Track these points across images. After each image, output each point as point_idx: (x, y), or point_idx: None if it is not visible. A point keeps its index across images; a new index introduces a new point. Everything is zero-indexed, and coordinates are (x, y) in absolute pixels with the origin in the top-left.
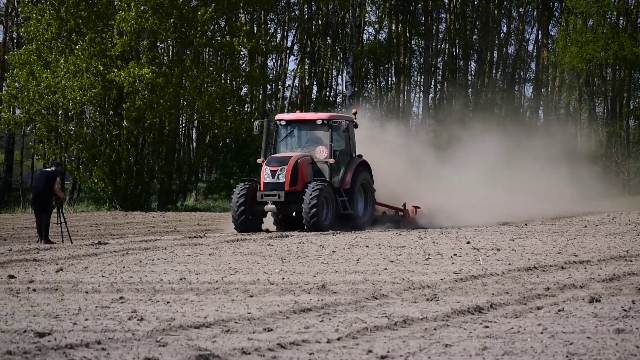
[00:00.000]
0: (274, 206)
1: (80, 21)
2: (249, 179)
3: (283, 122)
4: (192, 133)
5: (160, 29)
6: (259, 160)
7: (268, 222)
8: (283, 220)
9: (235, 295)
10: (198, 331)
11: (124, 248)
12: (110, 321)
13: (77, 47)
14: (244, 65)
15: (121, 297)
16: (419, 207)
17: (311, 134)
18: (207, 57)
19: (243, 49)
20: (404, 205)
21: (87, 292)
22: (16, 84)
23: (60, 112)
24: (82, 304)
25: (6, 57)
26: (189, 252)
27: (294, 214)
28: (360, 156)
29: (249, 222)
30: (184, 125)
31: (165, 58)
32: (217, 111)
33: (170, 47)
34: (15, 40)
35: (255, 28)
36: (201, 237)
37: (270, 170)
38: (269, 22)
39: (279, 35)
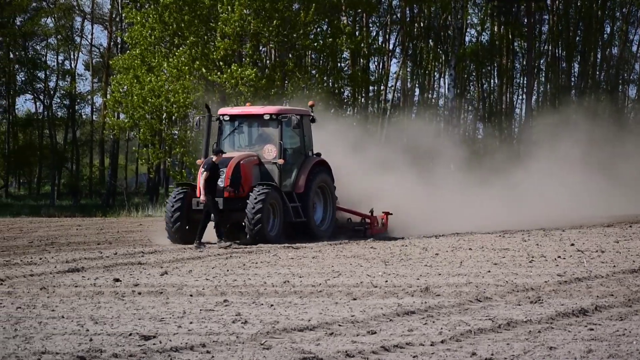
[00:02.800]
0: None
1: (182, 25)
2: (186, 183)
3: (227, 117)
4: None
5: (263, 31)
6: (198, 162)
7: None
8: (228, 230)
9: (338, 298)
10: (302, 334)
11: (227, 252)
12: (214, 324)
13: (179, 50)
14: (346, 67)
15: (225, 300)
16: (391, 213)
17: (259, 131)
18: (309, 59)
19: (345, 51)
20: (372, 211)
21: (191, 295)
22: (120, 89)
23: (163, 116)
24: (186, 307)
25: (110, 62)
26: (292, 255)
27: (244, 223)
28: (318, 155)
29: (185, 232)
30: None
31: (268, 61)
32: (321, 113)
33: (273, 50)
34: (119, 46)
35: (357, 30)
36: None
37: None
38: (370, 24)
39: (380, 38)
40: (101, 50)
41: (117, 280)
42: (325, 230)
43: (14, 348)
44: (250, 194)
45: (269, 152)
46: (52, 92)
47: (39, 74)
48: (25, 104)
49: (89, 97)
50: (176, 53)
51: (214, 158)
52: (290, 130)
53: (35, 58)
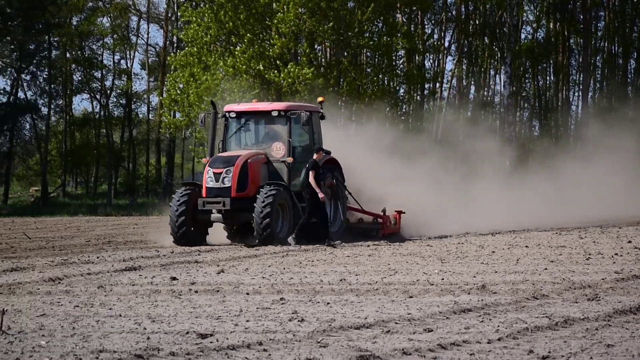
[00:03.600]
0: (219, 215)
1: (239, 23)
2: (192, 182)
3: (233, 114)
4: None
5: (318, 30)
6: (203, 160)
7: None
8: (236, 230)
9: (395, 296)
10: (358, 332)
11: (283, 250)
12: (271, 322)
13: (236, 49)
14: (401, 65)
15: (282, 299)
16: (403, 212)
17: (267, 128)
18: (364, 57)
19: (401, 49)
20: (384, 210)
21: (247, 294)
22: (177, 87)
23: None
24: (243, 305)
25: (168, 58)
26: (348, 253)
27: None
28: (328, 153)
29: (190, 234)
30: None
31: (323, 59)
32: (375, 112)
33: (328, 49)
34: (175, 44)
35: (412, 28)
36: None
37: (214, 173)
38: (426, 22)
39: (435, 35)
40: (157, 49)
41: (174, 278)
42: (336, 231)
43: (72, 346)
44: (258, 195)
45: (278, 150)
46: (108, 92)
47: (95, 74)
48: (81, 104)
49: (145, 96)
50: (235, 51)
51: (315, 156)
52: (300, 128)
53: (91, 57)
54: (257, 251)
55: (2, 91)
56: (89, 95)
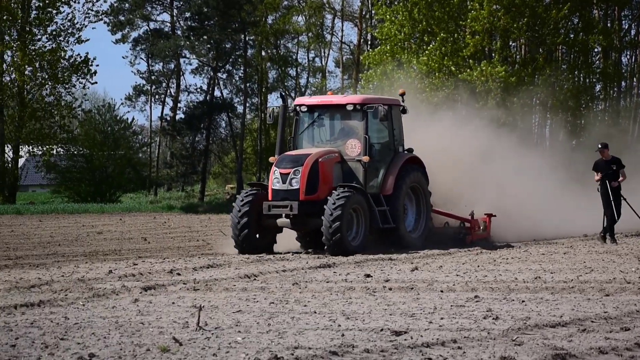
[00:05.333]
0: (287, 220)
1: (432, 22)
2: (258, 183)
3: (304, 108)
4: (546, 132)
5: (513, 27)
6: (271, 159)
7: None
8: (307, 236)
9: (590, 294)
10: (554, 330)
11: (477, 248)
12: (465, 320)
13: (429, 47)
14: (597, 61)
15: (476, 296)
16: (494, 215)
17: (342, 124)
18: (559, 54)
19: (597, 46)
20: (472, 214)
21: (441, 291)
22: (370, 85)
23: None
24: (437, 302)
25: (361, 57)
26: (543, 250)
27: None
28: (410, 151)
29: (254, 240)
30: (536, 124)
31: (518, 57)
32: (570, 109)
33: (523, 46)
34: (369, 43)
35: (609, 24)
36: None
37: (281, 174)
38: (622, 18)
39: (632, 31)
40: (351, 47)
41: (368, 275)
42: (418, 237)
43: (268, 343)
44: (329, 197)
45: (353, 148)
46: (303, 89)
47: (290, 72)
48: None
49: (340, 93)
50: (426, 50)
51: (604, 154)
52: (378, 123)
53: (286, 56)
54: (451, 249)
55: (199, 90)
56: (284, 93)
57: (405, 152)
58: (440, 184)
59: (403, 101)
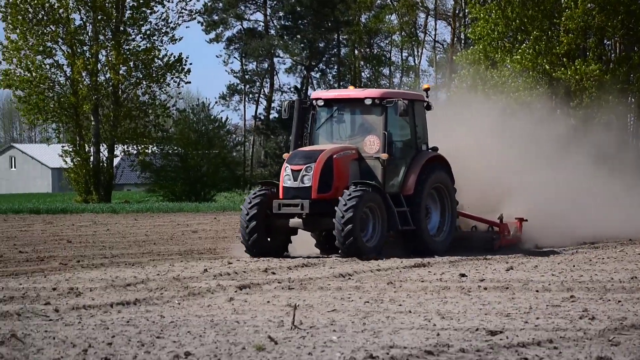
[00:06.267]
0: (300, 221)
1: (526, 20)
2: (269, 181)
3: (321, 102)
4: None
5: (608, 25)
6: (284, 156)
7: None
8: (327, 242)
9: None
10: None
11: (572, 248)
12: (561, 320)
13: (522, 46)
14: None
15: (572, 296)
16: (525, 220)
17: (361, 119)
18: None
19: None
20: (501, 217)
21: (537, 291)
22: (464, 85)
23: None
24: (532, 302)
25: (454, 57)
26: (639, 250)
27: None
28: (434, 149)
29: (266, 244)
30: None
31: (612, 55)
32: None
33: (618, 44)
34: (462, 42)
35: None
36: None
37: (292, 170)
38: None
39: None
40: (444, 46)
41: (463, 275)
42: (442, 241)
43: (363, 342)
44: (340, 197)
45: (371, 145)
46: (396, 89)
47: (383, 71)
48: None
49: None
50: (520, 49)
51: None
52: (399, 119)
53: (379, 54)
54: (546, 249)
55: (292, 88)
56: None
57: (429, 150)
58: (484, 185)
59: (427, 97)
